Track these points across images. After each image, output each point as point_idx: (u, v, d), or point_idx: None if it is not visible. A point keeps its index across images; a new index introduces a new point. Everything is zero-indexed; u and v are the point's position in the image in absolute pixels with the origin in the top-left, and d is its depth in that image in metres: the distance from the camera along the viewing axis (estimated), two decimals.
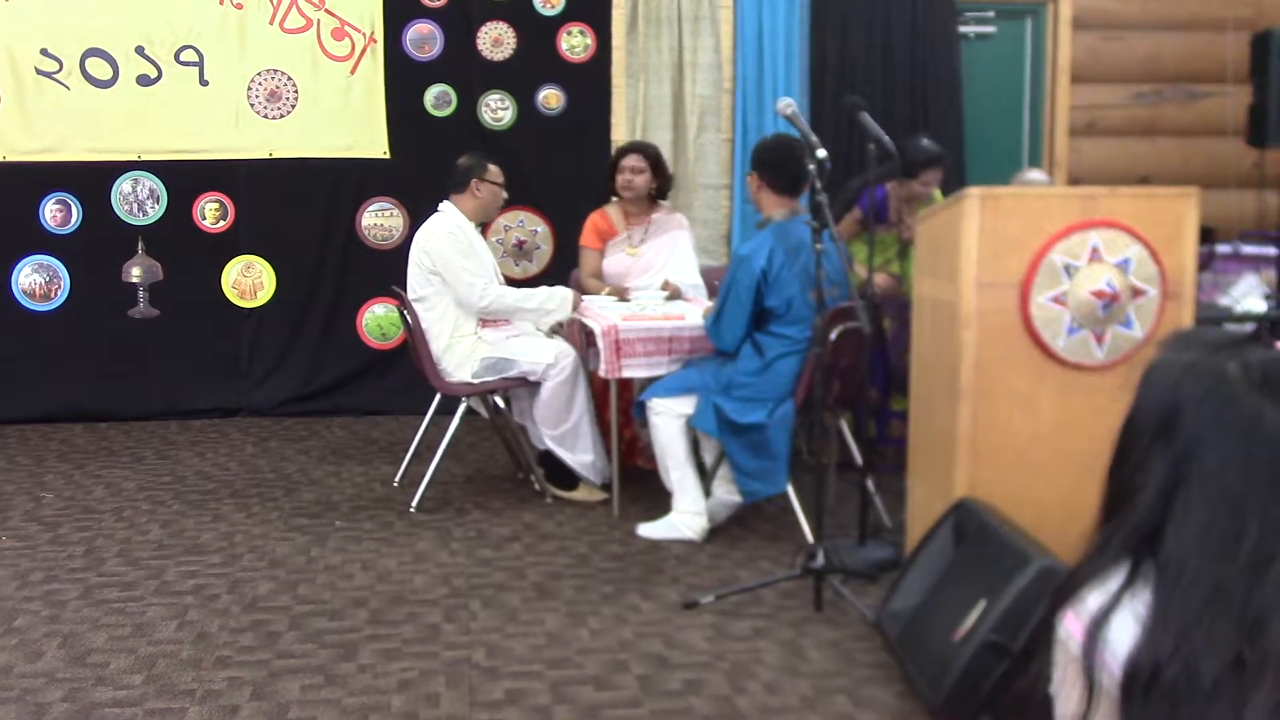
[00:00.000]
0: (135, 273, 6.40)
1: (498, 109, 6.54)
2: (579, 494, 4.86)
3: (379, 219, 6.55)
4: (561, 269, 6.16)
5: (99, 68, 6.28)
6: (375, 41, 6.42)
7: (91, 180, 6.31)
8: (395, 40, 6.44)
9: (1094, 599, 1.32)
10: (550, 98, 6.56)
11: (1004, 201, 3.42)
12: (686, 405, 4.37)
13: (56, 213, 6.33)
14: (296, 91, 6.40)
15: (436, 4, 6.43)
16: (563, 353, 4.75)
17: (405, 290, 4.92)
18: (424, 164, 6.38)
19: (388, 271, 5.80)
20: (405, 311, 4.89)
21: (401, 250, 5.89)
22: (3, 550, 4.28)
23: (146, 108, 6.31)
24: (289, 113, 6.41)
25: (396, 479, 5.15)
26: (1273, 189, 6.80)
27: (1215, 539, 1.27)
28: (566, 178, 6.43)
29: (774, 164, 4.30)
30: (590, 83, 6.54)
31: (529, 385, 4.81)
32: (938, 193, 5.30)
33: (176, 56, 6.31)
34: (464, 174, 4.97)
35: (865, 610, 3.53)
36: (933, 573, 3.25)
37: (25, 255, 6.33)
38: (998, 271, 3.39)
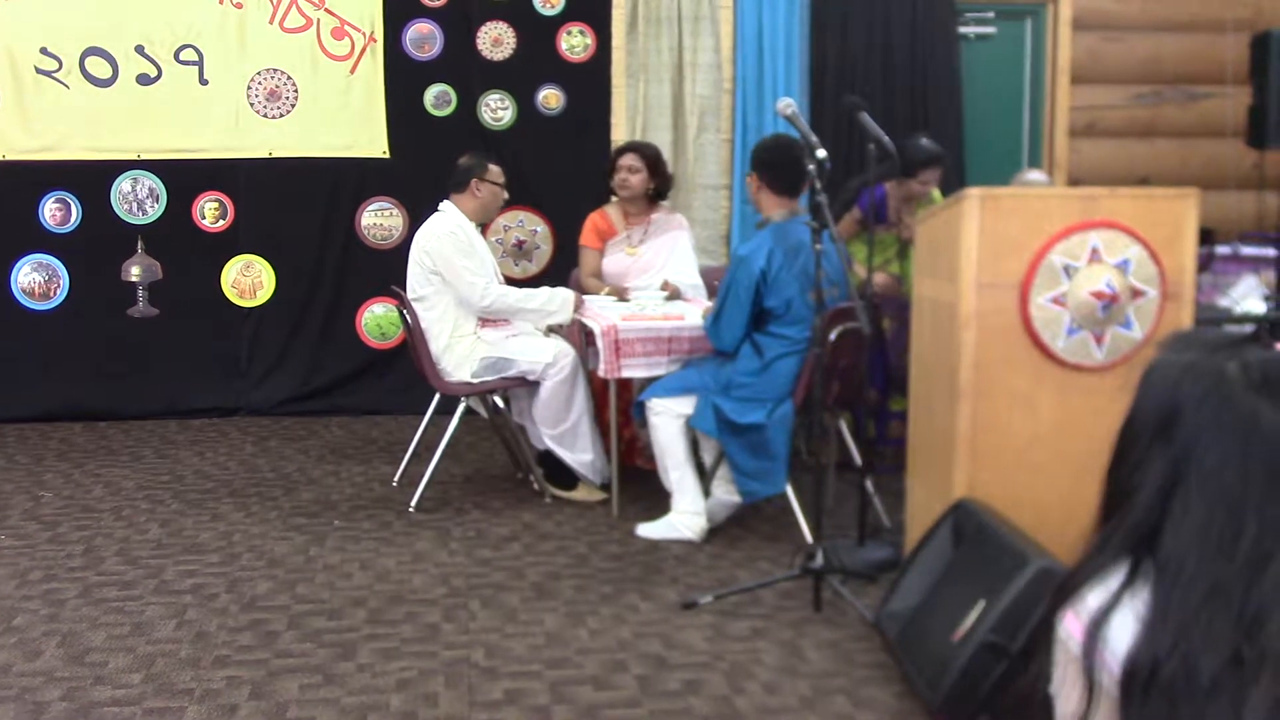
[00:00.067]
0: (135, 272, 6.40)
1: (497, 109, 6.54)
2: (578, 494, 4.86)
3: (378, 219, 6.55)
4: (561, 269, 6.16)
5: (99, 67, 6.28)
6: (375, 41, 6.43)
7: (91, 179, 6.31)
8: (395, 40, 6.44)
9: (1094, 598, 1.33)
10: (550, 98, 6.56)
11: (1004, 202, 3.42)
12: (686, 405, 4.37)
13: (56, 212, 6.33)
14: (296, 91, 6.40)
15: (436, 4, 6.43)
16: (562, 352, 4.75)
17: (405, 290, 4.92)
18: (424, 164, 6.38)
19: (387, 271, 5.80)
20: (405, 311, 4.89)
21: (401, 250, 5.90)
22: (2, 549, 4.27)
23: (146, 107, 6.31)
24: (289, 112, 6.41)
25: (395, 479, 5.15)
26: (1272, 190, 6.81)
27: (1214, 538, 1.27)
28: (566, 178, 6.44)
29: (773, 164, 4.30)
30: (590, 83, 6.54)
31: (528, 385, 4.81)
32: (936, 192, 5.30)
33: (176, 56, 6.31)
34: (464, 174, 4.96)
35: (864, 610, 3.53)
36: (932, 573, 3.25)
37: (24, 254, 6.33)
38: (997, 272, 3.39)
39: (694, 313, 4.70)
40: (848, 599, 3.63)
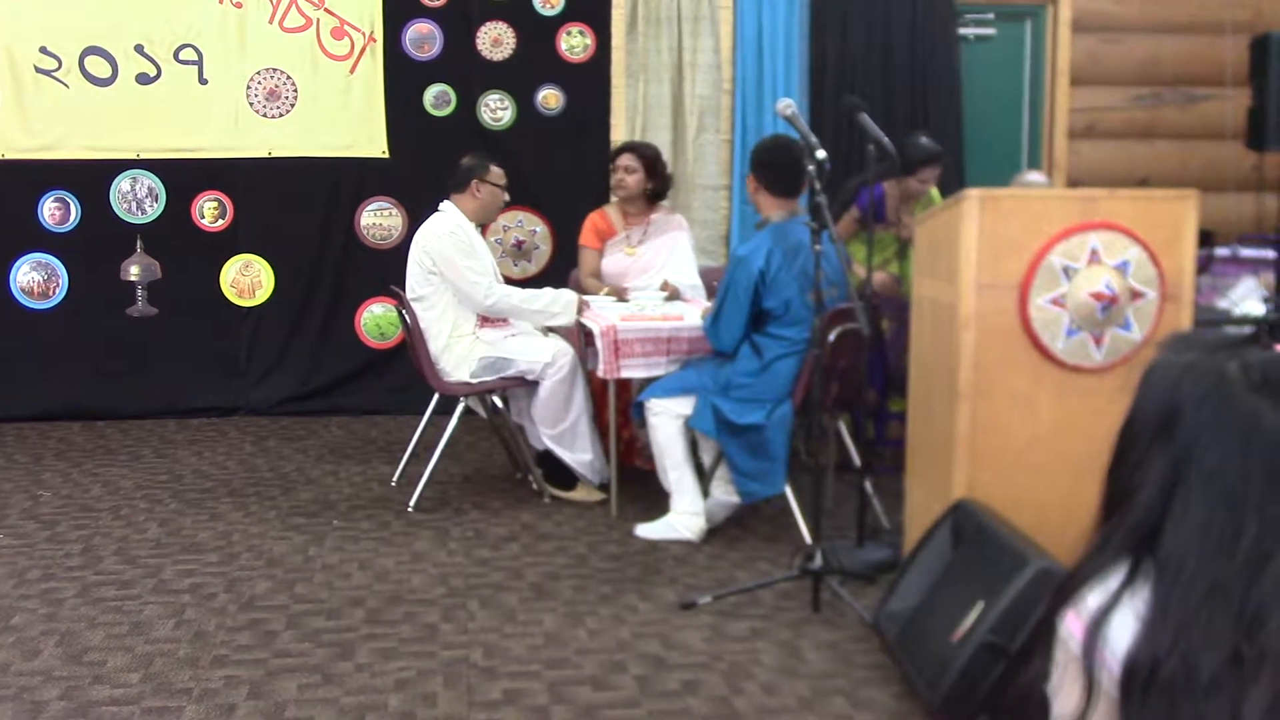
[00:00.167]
0: (134, 271, 6.40)
1: (497, 109, 6.54)
2: (577, 494, 4.85)
3: (378, 218, 6.55)
4: (560, 269, 6.16)
5: (98, 66, 6.27)
6: (375, 41, 6.42)
7: (90, 178, 6.31)
8: (395, 40, 6.44)
9: (1094, 598, 1.33)
10: (549, 98, 6.56)
11: (1003, 203, 3.42)
12: (685, 406, 4.37)
13: (55, 211, 6.32)
14: (296, 91, 6.40)
15: (436, 4, 6.43)
16: (560, 351, 4.75)
17: (404, 290, 4.92)
18: (423, 164, 6.38)
19: (386, 271, 5.80)
20: (404, 311, 4.89)
21: (400, 250, 5.90)
22: (0, 548, 4.27)
23: (145, 106, 6.31)
24: (288, 112, 6.41)
25: (394, 478, 5.15)
26: (1271, 192, 6.81)
27: (1214, 537, 1.28)
28: (565, 178, 6.44)
29: (771, 165, 4.30)
30: (590, 83, 6.54)
31: (527, 385, 4.81)
32: (935, 191, 5.30)
33: (176, 55, 6.31)
34: (465, 174, 4.96)
35: (863, 611, 3.53)
36: (931, 574, 3.25)
37: (24, 253, 6.32)
38: (997, 273, 3.39)
39: (693, 313, 4.70)
40: (846, 600, 3.63)
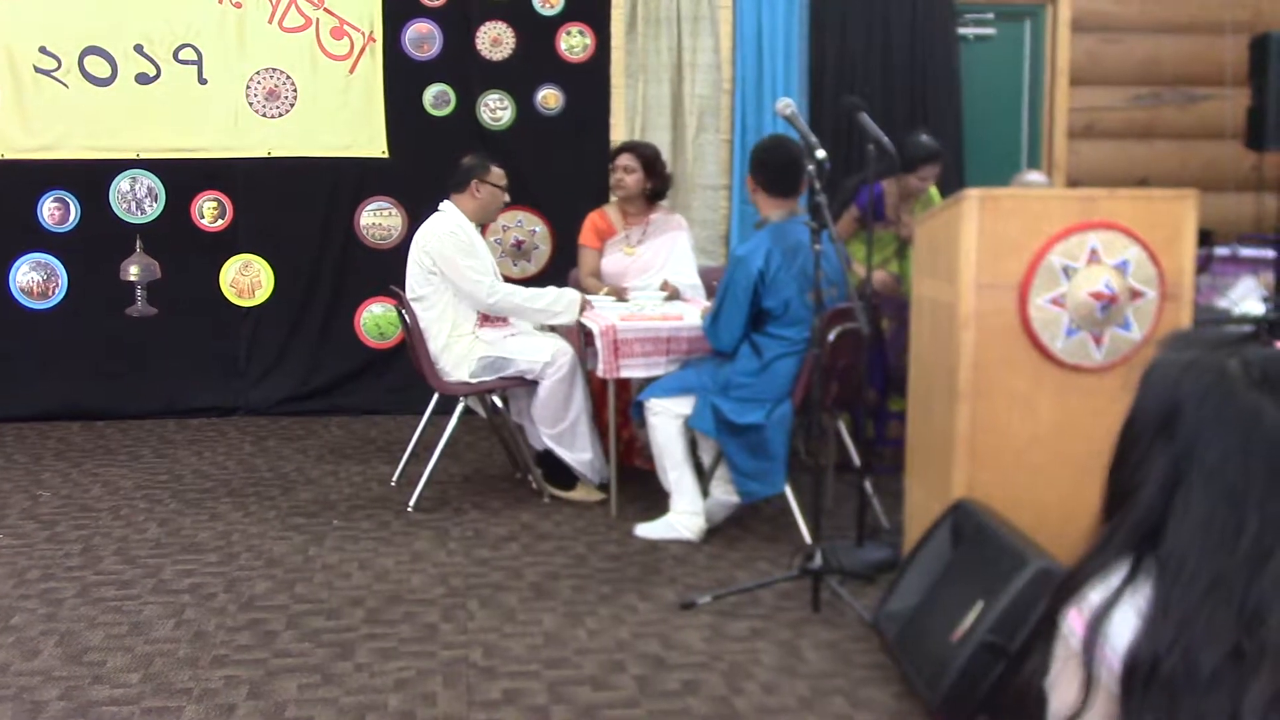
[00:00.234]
0: (133, 271, 6.40)
1: (496, 109, 6.54)
2: (577, 494, 4.85)
3: (377, 218, 6.55)
4: (560, 269, 6.16)
5: (98, 66, 6.27)
6: (374, 41, 6.42)
7: (90, 178, 6.31)
8: (394, 39, 6.44)
9: (1096, 595, 1.34)
10: (549, 98, 6.56)
11: (1003, 203, 3.42)
12: (684, 405, 4.37)
13: (54, 210, 6.32)
14: (295, 90, 6.40)
15: (436, 3, 6.43)
16: (560, 351, 4.75)
17: (404, 290, 4.92)
18: (423, 163, 6.38)
19: (386, 271, 5.80)
20: (403, 311, 4.89)
21: (400, 250, 5.90)
22: (0, 548, 4.27)
23: (145, 106, 6.31)
24: (288, 112, 6.41)
25: (394, 478, 5.15)
26: (1271, 192, 6.81)
27: (1215, 533, 1.29)
28: (565, 178, 6.44)
29: (767, 166, 4.30)
30: (589, 83, 6.54)
31: (527, 384, 4.81)
32: (934, 190, 5.31)
33: (175, 55, 6.31)
34: (465, 174, 4.96)
35: (863, 611, 3.53)
36: (930, 573, 3.25)
37: (23, 253, 6.32)
38: (996, 273, 3.39)
39: (693, 313, 4.70)
40: (846, 599, 3.63)
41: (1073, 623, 1.35)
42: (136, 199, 6.37)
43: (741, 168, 6.35)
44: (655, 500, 4.55)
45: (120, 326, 6.38)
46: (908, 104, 6.58)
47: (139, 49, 6.28)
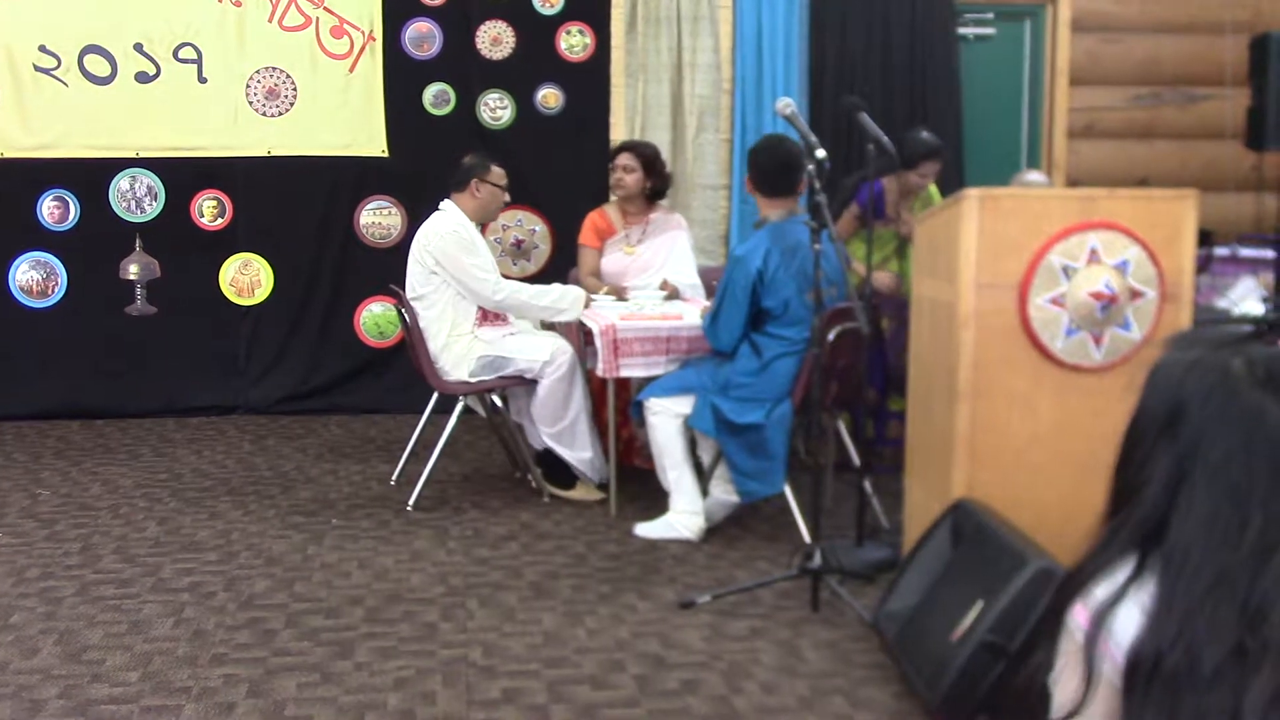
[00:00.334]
0: (133, 270, 6.39)
1: (496, 108, 6.54)
2: (576, 493, 4.85)
3: (377, 217, 6.55)
4: (560, 268, 6.16)
5: (97, 65, 6.27)
6: (374, 40, 6.42)
7: (89, 177, 6.30)
8: (394, 38, 6.43)
9: (1102, 591, 1.35)
10: (549, 97, 6.56)
11: (1003, 203, 3.42)
12: (684, 405, 4.37)
13: (54, 209, 6.32)
14: (295, 89, 6.40)
15: (436, 3, 6.43)
16: (559, 349, 4.75)
17: (404, 289, 4.92)
18: (422, 163, 6.38)
19: (386, 270, 5.80)
20: (403, 310, 4.89)
21: (399, 249, 5.90)
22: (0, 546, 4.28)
23: (145, 105, 6.31)
24: (287, 110, 6.41)
25: (393, 477, 5.15)
26: (1271, 192, 6.81)
27: (1219, 531, 1.30)
28: (565, 177, 6.44)
29: (760, 167, 4.31)
30: (589, 82, 6.54)
31: (526, 383, 4.81)
32: (934, 188, 5.31)
33: (175, 54, 6.31)
34: (465, 173, 4.96)
35: (862, 611, 3.53)
36: (930, 573, 3.25)
37: (23, 252, 6.32)
38: (996, 272, 3.39)
39: (692, 312, 4.70)
40: (846, 599, 3.62)
41: (1078, 618, 1.36)
42: (136, 198, 6.37)
43: (741, 168, 6.35)
44: (655, 500, 4.55)
45: (120, 325, 6.38)
46: (908, 104, 6.58)
47: (139, 48, 6.28)
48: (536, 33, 6.50)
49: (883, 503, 4.50)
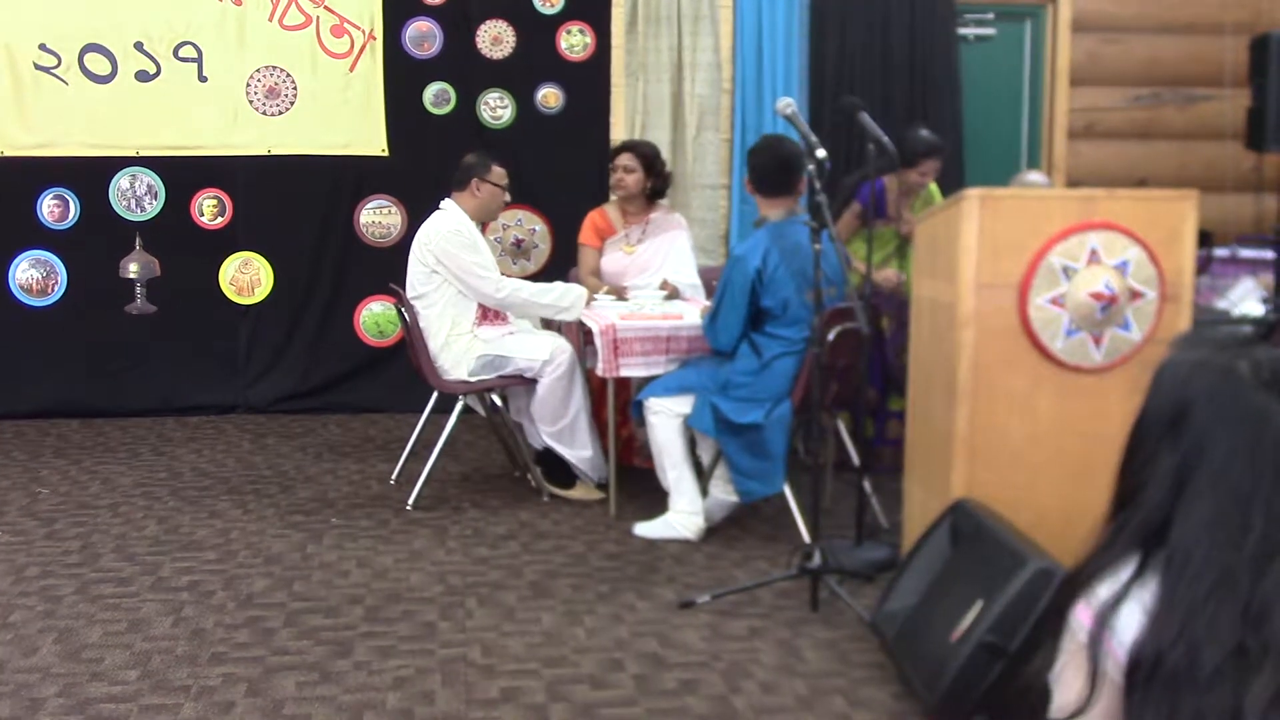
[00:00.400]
0: (133, 269, 6.39)
1: (497, 107, 6.54)
2: (576, 493, 4.85)
3: (377, 216, 6.55)
4: (560, 267, 6.16)
5: (98, 63, 6.27)
6: (374, 39, 6.42)
7: (89, 176, 6.30)
8: (394, 38, 6.43)
9: (1105, 590, 1.35)
10: (549, 96, 6.56)
11: (1003, 203, 3.42)
12: (684, 405, 4.37)
13: (54, 208, 6.32)
14: (295, 88, 6.40)
15: (436, 2, 6.43)
16: (558, 349, 4.75)
17: (403, 288, 4.92)
18: (422, 162, 6.37)
19: (386, 269, 5.80)
20: (403, 309, 4.89)
21: (399, 248, 5.91)
22: None
23: (145, 104, 6.31)
24: (287, 109, 6.41)
25: (393, 477, 5.15)
26: (1271, 192, 6.81)
27: (1222, 531, 1.30)
28: (565, 176, 6.44)
29: (757, 167, 4.32)
30: (589, 82, 6.54)
31: (526, 383, 4.81)
32: (934, 187, 5.31)
33: (175, 53, 6.31)
34: (466, 172, 4.96)
35: (862, 611, 3.53)
36: (929, 573, 3.25)
37: (22, 250, 6.32)
38: (996, 273, 3.39)
39: (692, 312, 4.70)
40: (845, 599, 3.62)
41: (1081, 617, 1.36)
42: (136, 196, 6.37)
43: (741, 167, 6.35)
44: (654, 499, 4.55)
45: (120, 324, 6.38)
46: (908, 104, 6.58)
47: (139, 46, 6.28)
48: (537, 32, 6.50)
49: (882, 502, 4.50)
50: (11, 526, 4.49)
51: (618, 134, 6.46)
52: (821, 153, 3.71)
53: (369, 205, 6.53)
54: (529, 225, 6.63)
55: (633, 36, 6.52)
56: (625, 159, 5.24)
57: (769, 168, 4.28)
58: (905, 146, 4.92)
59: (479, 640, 3.44)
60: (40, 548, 4.25)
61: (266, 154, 6.41)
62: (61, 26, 6.22)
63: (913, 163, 5.08)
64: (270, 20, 6.35)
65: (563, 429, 4.78)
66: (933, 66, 6.62)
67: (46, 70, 6.24)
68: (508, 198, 5.14)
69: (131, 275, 6.39)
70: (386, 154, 6.48)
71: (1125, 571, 1.36)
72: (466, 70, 6.48)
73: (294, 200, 6.42)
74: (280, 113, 6.40)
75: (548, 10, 6.50)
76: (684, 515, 4.38)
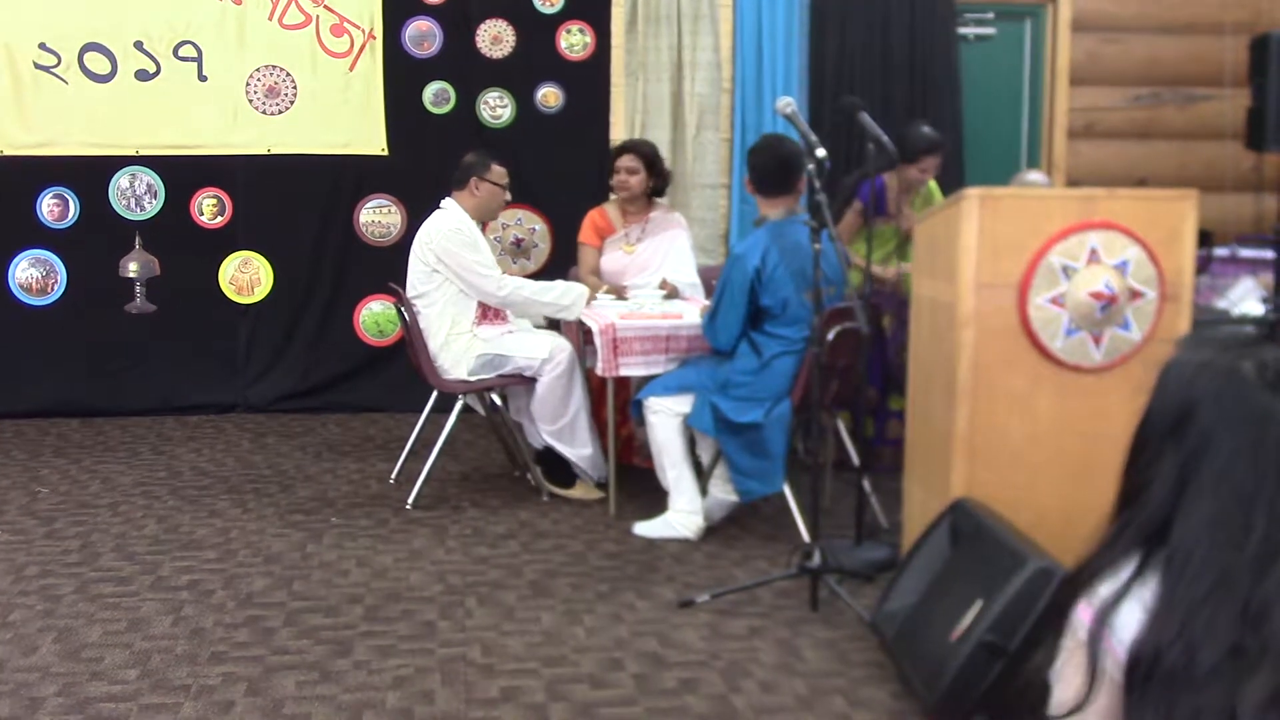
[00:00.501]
0: (132, 268, 6.39)
1: (496, 107, 6.54)
2: (575, 492, 4.85)
3: (377, 216, 6.54)
4: (559, 267, 6.16)
5: (97, 62, 6.27)
6: (374, 38, 6.42)
7: (89, 175, 6.30)
8: (394, 37, 6.43)
9: (1106, 588, 1.36)
10: (549, 96, 6.55)
11: (1003, 202, 3.42)
12: (683, 404, 4.37)
13: (54, 207, 6.32)
14: (295, 88, 6.40)
15: (436, 1, 6.43)
16: (558, 347, 4.75)
17: (403, 287, 4.92)
18: (422, 161, 6.37)
19: (385, 268, 5.80)
20: (403, 308, 4.89)
21: (399, 247, 5.91)
22: None
23: (145, 103, 6.31)
24: (287, 109, 6.41)
25: (393, 476, 5.15)
26: (1270, 192, 6.81)
27: (1223, 532, 1.31)
28: (565, 176, 6.44)
29: (759, 166, 4.32)
30: (589, 81, 6.54)
31: (525, 381, 4.81)
32: (933, 184, 5.31)
33: (175, 52, 6.31)
34: (465, 171, 4.96)
35: (861, 610, 3.53)
36: (929, 573, 3.25)
37: (22, 249, 6.32)
38: (996, 272, 3.39)
39: (692, 311, 4.70)
40: (845, 598, 3.62)
41: (1082, 615, 1.37)
42: (136, 196, 6.37)
43: (741, 167, 6.35)
44: (654, 499, 4.55)
45: (119, 323, 6.37)
46: (908, 104, 6.58)
47: (139, 45, 6.28)
48: (537, 31, 6.50)
49: (882, 502, 4.50)
50: (11, 525, 4.49)
51: (618, 133, 6.46)
52: (821, 152, 3.71)
53: (369, 205, 6.52)
54: (529, 224, 6.63)
55: (632, 36, 6.52)
56: (628, 160, 5.23)
57: (769, 167, 4.28)
58: (906, 142, 4.93)
59: (479, 639, 3.44)
60: (40, 547, 4.25)
61: (266, 153, 6.41)
62: (61, 26, 6.22)
63: (913, 158, 5.08)
64: (270, 19, 6.35)
65: (563, 427, 4.78)
66: (933, 66, 6.62)
67: (46, 69, 6.23)
68: (508, 197, 5.14)
69: (131, 274, 6.39)
70: (386, 153, 6.48)
71: (1127, 570, 1.36)
72: (466, 69, 6.48)
73: (294, 200, 6.42)
74: (280, 112, 6.40)
75: (547, 9, 6.50)
76: (683, 514, 4.38)
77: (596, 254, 5.37)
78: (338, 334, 6.55)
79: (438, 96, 6.49)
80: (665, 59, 6.53)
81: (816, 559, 3.67)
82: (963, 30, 6.82)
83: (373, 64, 6.43)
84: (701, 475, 4.44)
